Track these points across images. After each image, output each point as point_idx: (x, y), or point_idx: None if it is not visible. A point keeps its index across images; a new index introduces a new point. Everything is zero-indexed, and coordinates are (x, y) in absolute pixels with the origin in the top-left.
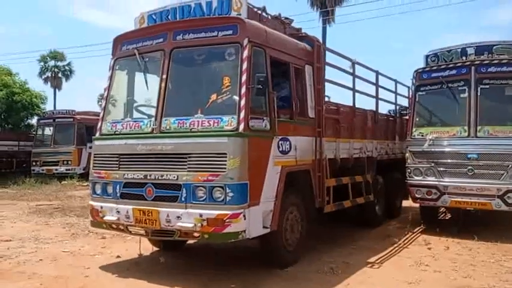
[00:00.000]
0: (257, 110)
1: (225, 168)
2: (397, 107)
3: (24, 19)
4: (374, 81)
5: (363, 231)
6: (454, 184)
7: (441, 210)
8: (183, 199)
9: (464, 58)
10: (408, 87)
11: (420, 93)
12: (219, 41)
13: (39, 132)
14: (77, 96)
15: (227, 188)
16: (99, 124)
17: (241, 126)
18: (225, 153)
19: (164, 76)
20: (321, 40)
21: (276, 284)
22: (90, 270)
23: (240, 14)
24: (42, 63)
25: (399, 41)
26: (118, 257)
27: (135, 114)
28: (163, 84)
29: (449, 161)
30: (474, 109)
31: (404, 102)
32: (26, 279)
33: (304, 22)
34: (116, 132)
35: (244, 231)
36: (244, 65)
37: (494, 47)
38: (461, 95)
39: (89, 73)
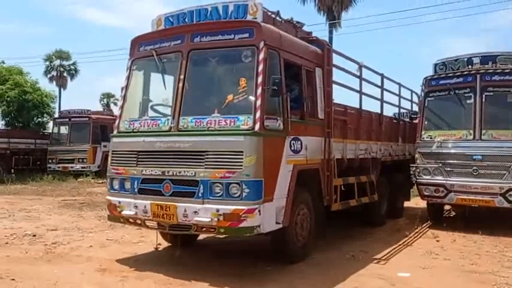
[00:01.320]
0: (271, 110)
1: (241, 165)
2: (406, 111)
3: (21, 18)
4: (379, 84)
5: (374, 227)
6: (460, 183)
7: (446, 208)
8: (200, 195)
9: (470, 67)
10: (411, 90)
11: (429, 98)
12: (235, 44)
13: (55, 130)
14: (80, 95)
15: (243, 185)
16: (117, 122)
17: (257, 126)
18: (242, 151)
19: (182, 76)
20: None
21: (304, 270)
22: (138, 256)
23: (255, 18)
24: (47, 63)
25: (402, 43)
26: (159, 244)
27: (152, 113)
28: (180, 85)
29: (455, 161)
30: (479, 114)
31: (407, 105)
32: (85, 262)
33: (311, 27)
34: (134, 130)
35: (259, 226)
36: (260, 67)
37: (498, 57)
38: (467, 101)
39: (91, 72)
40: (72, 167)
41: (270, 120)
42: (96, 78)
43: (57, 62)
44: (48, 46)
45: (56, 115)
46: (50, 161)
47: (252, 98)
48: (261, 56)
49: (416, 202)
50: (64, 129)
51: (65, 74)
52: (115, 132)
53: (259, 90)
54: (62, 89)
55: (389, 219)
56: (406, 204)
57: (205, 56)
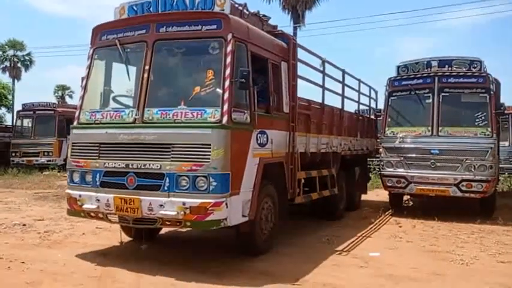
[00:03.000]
0: (239, 103)
1: (209, 158)
2: (367, 107)
3: None
4: (341, 79)
5: (333, 220)
6: (419, 174)
7: (405, 198)
8: (166, 188)
9: (429, 69)
10: (369, 86)
11: (392, 98)
12: (203, 35)
13: (18, 123)
14: (34, 87)
15: (210, 178)
16: (77, 113)
17: (225, 119)
18: (209, 144)
19: (147, 67)
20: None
21: (288, 253)
22: (104, 250)
23: (223, 10)
24: (0, 53)
25: (360, 43)
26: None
27: (115, 104)
28: (145, 75)
29: (415, 155)
30: (437, 112)
31: (366, 101)
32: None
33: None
34: (96, 122)
35: (226, 219)
36: (228, 59)
37: (454, 61)
38: (426, 101)
39: (44, 64)
40: (37, 161)
41: (237, 113)
42: (48, 70)
43: (10, 52)
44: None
45: (14, 107)
46: (14, 154)
47: (219, 90)
48: (229, 48)
49: (377, 193)
50: (28, 122)
51: (19, 65)
52: (75, 123)
53: (227, 83)
54: (15, 80)
55: (347, 212)
56: (368, 195)
57: (171, 46)
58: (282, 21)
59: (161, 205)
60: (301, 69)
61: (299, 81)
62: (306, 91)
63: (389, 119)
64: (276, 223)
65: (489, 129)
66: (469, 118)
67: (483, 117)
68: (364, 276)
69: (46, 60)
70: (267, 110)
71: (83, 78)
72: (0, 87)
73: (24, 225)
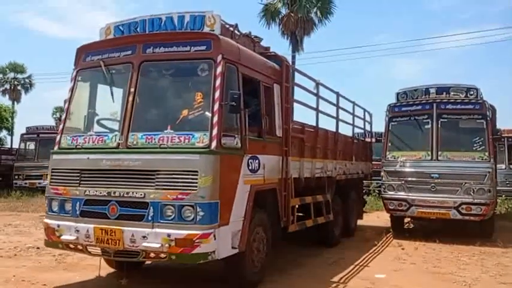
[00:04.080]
0: (229, 127)
1: (196, 186)
2: (362, 131)
3: None
4: (335, 102)
5: (328, 247)
6: (420, 198)
7: (405, 220)
8: (149, 218)
9: (427, 96)
10: (364, 109)
11: (392, 123)
12: (191, 56)
13: (22, 146)
14: (32, 108)
15: (198, 207)
16: (58, 137)
17: (214, 144)
18: (197, 171)
19: (132, 89)
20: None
21: (298, 273)
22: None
23: (213, 30)
24: (0, 75)
25: (354, 64)
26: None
27: (98, 128)
28: (130, 98)
29: (416, 179)
30: (436, 137)
31: (360, 124)
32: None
33: (275, 48)
34: (77, 147)
35: (214, 252)
36: (218, 82)
37: (451, 88)
38: (426, 126)
39: (44, 85)
40: (39, 183)
41: (227, 138)
42: (47, 91)
43: (11, 75)
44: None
45: (14, 130)
46: (17, 177)
47: (208, 114)
48: (219, 69)
49: (377, 215)
50: (31, 145)
51: (19, 88)
52: (56, 148)
53: (216, 106)
54: (15, 103)
55: (343, 238)
56: (369, 218)
57: (158, 68)
58: (281, 46)
59: (144, 236)
60: (295, 92)
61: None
62: (300, 114)
63: (390, 144)
64: (268, 253)
65: (486, 153)
66: (467, 143)
67: (480, 142)
68: None
69: (46, 82)
70: (259, 134)
71: (65, 101)
72: (2, 110)
73: (38, 248)
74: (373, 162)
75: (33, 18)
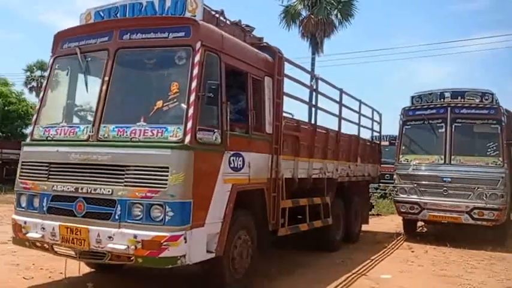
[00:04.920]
0: (207, 121)
1: (165, 184)
2: (377, 134)
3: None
4: (338, 99)
5: (326, 252)
6: (432, 201)
7: (419, 225)
8: (116, 217)
9: (442, 100)
10: (372, 108)
11: (406, 127)
12: (169, 43)
13: None
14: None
15: (167, 207)
16: (31, 128)
17: (188, 138)
18: (167, 167)
19: (106, 78)
20: (309, 68)
21: (303, 272)
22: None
23: (194, 16)
24: (28, 73)
25: (377, 68)
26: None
27: (74, 120)
28: (104, 87)
29: (428, 182)
30: (449, 142)
31: (368, 123)
32: None
33: (295, 51)
34: (48, 138)
35: (184, 256)
36: (195, 71)
37: (466, 93)
38: (439, 130)
39: None
40: None
41: (204, 132)
42: None
43: (37, 73)
44: (24, 56)
45: None
46: None
47: (183, 105)
48: (197, 58)
49: (392, 219)
50: None
51: None
52: (28, 139)
53: (192, 97)
54: None
55: (344, 244)
56: (384, 221)
57: (135, 56)
58: (301, 48)
59: (110, 237)
60: (294, 88)
61: (291, 100)
62: (300, 111)
63: (403, 147)
64: (255, 259)
65: (500, 158)
66: (480, 148)
67: (494, 147)
68: None
69: None
70: (246, 130)
71: (41, 90)
72: (28, 106)
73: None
74: (388, 166)
75: (62, 18)
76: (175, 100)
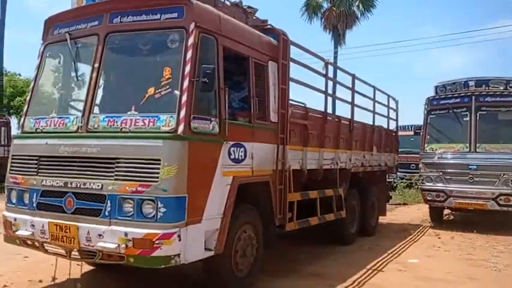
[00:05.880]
0: (203, 109)
1: (157, 177)
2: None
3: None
4: (350, 85)
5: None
6: (458, 189)
7: (445, 213)
8: (106, 213)
9: (466, 89)
10: (388, 95)
11: (431, 116)
12: (161, 25)
13: None
14: None
15: (159, 202)
16: (22, 120)
17: (181, 127)
18: (159, 160)
19: (96, 65)
20: (331, 60)
21: (333, 258)
22: None
23: None
24: None
25: (400, 57)
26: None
27: (64, 110)
28: (94, 75)
29: (454, 170)
30: (474, 130)
31: (383, 111)
32: None
33: (317, 43)
34: (38, 130)
35: (178, 255)
36: (189, 54)
37: (490, 81)
38: (464, 119)
39: None
40: None
41: (199, 121)
42: None
43: None
44: None
45: None
46: None
47: (177, 92)
48: (191, 40)
49: (418, 208)
50: None
51: None
52: (19, 132)
53: (185, 83)
54: None
55: (361, 236)
56: (410, 209)
57: (126, 40)
58: (323, 40)
59: (100, 235)
60: (306, 75)
61: (304, 89)
62: (316, 101)
63: (428, 136)
64: (260, 254)
65: None
66: (505, 135)
67: None
68: (403, 278)
69: None
70: (249, 119)
71: (32, 80)
72: None
73: None
74: (413, 155)
75: None
76: (167, 87)
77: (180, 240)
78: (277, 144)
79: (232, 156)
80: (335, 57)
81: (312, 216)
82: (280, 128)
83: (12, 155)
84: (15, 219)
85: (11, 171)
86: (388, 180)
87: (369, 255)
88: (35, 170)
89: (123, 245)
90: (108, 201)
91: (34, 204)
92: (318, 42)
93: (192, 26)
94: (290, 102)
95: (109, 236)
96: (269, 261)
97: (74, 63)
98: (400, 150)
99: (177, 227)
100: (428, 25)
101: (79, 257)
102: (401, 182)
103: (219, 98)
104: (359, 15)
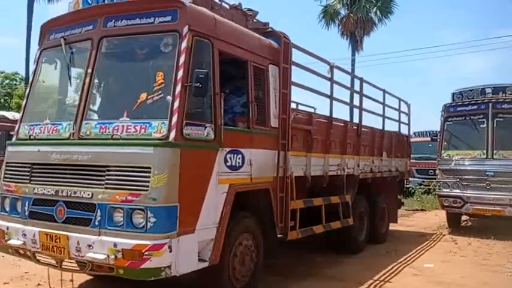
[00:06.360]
0: (197, 114)
1: (147, 186)
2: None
3: None
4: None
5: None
6: (475, 195)
7: (463, 219)
8: (96, 223)
9: (483, 96)
10: (399, 98)
11: (448, 123)
12: (155, 29)
13: None
14: None
15: (149, 212)
16: (17, 126)
17: (172, 134)
18: (149, 168)
19: (89, 70)
20: (349, 69)
21: (350, 262)
22: None
23: None
24: None
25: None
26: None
27: (58, 117)
28: (87, 80)
29: (471, 177)
30: (491, 137)
31: (394, 115)
32: None
33: (335, 51)
34: (31, 137)
35: (169, 266)
36: (182, 58)
37: (507, 88)
38: (481, 126)
39: None
40: None
41: (193, 127)
42: None
43: None
44: None
45: None
46: None
47: (169, 97)
48: (184, 44)
49: (436, 214)
50: None
51: None
52: (14, 139)
53: (178, 88)
54: None
55: (370, 244)
56: (427, 215)
57: (119, 45)
58: (341, 47)
59: (90, 245)
60: (308, 78)
61: (312, 94)
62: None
63: (445, 143)
64: (260, 264)
65: None
66: None
67: None
68: (418, 282)
69: None
70: (248, 125)
71: (27, 86)
72: None
73: None
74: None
75: None
76: (160, 92)
77: (171, 251)
78: (278, 150)
79: (228, 163)
80: (352, 65)
81: (317, 224)
82: (281, 133)
83: (6, 163)
84: (7, 228)
85: (4, 179)
86: (405, 186)
87: (385, 259)
88: (28, 177)
89: (113, 256)
90: (98, 211)
91: (26, 213)
92: (335, 48)
93: (186, 29)
94: (296, 107)
95: (98, 247)
96: (286, 264)
97: (68, 68)
98: (418, 156)
99: (167, 237)
100: (449, 29)
101: (70, 268)
102: (420, 188)
103: (214, 103)
104: (376, 21)
